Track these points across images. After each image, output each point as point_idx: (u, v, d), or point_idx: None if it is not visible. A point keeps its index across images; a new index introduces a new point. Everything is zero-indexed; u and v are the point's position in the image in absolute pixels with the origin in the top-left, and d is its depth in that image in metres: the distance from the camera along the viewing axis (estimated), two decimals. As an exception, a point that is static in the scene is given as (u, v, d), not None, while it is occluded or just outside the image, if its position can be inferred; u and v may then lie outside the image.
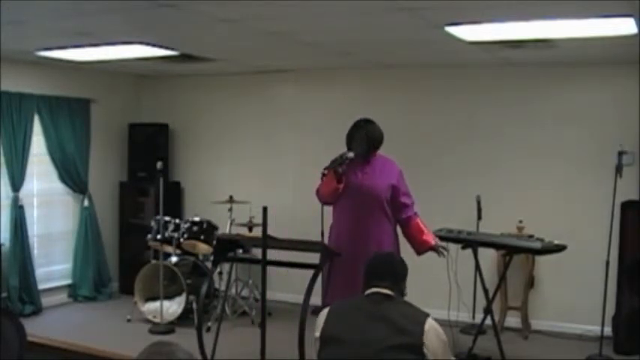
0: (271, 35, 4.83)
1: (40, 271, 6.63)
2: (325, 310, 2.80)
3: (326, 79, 6.96)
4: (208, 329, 5.80)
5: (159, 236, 6.20)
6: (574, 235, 5.42)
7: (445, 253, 4.59)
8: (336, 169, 4.42)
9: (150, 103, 7.83)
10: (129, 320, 6.21)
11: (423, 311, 2.69)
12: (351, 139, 4.58)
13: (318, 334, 2.73)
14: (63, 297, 6.95)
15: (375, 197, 4.46)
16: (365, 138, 4.51)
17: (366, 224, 4.47)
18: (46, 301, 6.62)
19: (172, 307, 6.18)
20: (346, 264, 4.40)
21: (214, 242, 5.96)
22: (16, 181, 6.31)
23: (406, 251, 4.63)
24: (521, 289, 5.99)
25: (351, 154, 4.45)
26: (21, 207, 6.37)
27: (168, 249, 6.31)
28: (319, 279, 4.44)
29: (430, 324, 2.60)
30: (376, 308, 2.66)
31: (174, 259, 6.22)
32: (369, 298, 2.72)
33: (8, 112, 6.19)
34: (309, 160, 6.81)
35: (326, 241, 4.75)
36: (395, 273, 2.81)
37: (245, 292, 6.67)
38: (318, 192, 4.66)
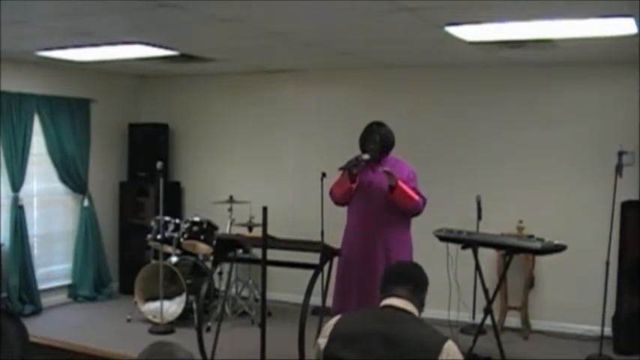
0: (271, 35, 4.83)
1: (40, 271, 6.63)
2: (333, 322, 2.54)
3: (326, 79, 6.95)
4: (208, 329, 5.80)
5: (159, 236, 6.20)
6: (574, 235, 5.41)
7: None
8: (351, 170, 4.51)
9: (150, 103, 7.83)
10: (129, 320, 6.21)
11: (439, 337, 2.38)
12: (364, 141, 4.66)
13: (320, 341, 2.51)
14: (63, 297, 6.94)
15: (385, 195, 4.52)
16: (378, 140, 4.59)
17: (377, 222, 4.55)
18: (46, 301, 6.62)
19: (172, 307, 6.17)
20: (357, 262, 4.52)
21: (214, 242, 5.96)
22: (16, 181, 6.31)
23: (413, 254, 4.67)
24: (521, 289, 5.98)
25: (366, 157, 4.54)
26: (21, 207, 6.36)
27: (168, 249, 6.31)
28: (319, 279, 4.46)
29: (447, 353, 2.31)
30: (388, 331, 2.38)
31: (174, 259, 6.22)
32: (382, 316, 2.48)
33: (8, 112, 6.18)
34: (309, 160, 6.82)
35: (340, 241, 4.79)
36: (414, 280, 2.61)
37: (245, 292, 6.67)
38: (331, 192, 4.78)
